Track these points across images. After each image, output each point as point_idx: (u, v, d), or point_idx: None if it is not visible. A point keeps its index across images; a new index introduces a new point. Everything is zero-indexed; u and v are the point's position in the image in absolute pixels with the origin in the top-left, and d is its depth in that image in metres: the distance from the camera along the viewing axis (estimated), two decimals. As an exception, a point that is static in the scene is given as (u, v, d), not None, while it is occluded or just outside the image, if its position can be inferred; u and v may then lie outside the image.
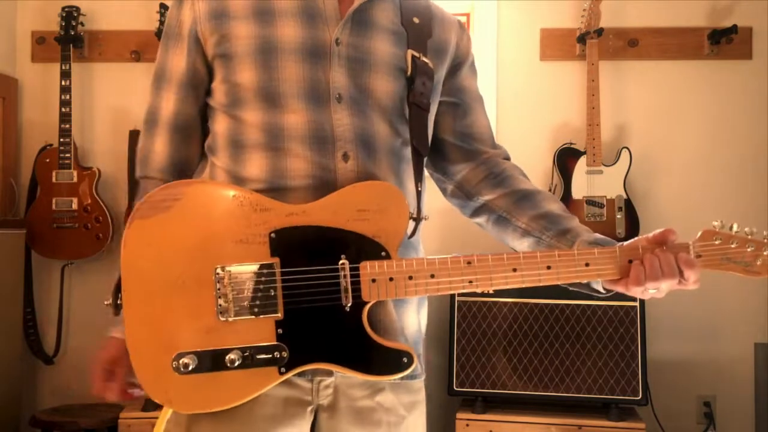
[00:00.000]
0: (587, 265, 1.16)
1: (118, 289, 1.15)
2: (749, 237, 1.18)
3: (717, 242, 1.18)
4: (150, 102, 1.33)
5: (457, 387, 2.76)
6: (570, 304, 2.74)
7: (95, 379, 1.23)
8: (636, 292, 1.16)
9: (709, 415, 3.06)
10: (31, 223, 3.08)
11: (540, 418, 2.69)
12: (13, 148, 3.23)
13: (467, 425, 2.71)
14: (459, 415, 2.73)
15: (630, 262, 1.15)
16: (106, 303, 1.17)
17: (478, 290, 1.16)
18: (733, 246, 1.18)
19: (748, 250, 1.18)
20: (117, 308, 1.16)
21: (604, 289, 1.21)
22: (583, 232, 1.24)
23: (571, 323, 2.73)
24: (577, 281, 1.18)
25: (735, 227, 1.18)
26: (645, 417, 2.78)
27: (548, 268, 1.15)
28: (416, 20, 1.30)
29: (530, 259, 1.15)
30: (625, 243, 1.18)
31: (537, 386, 2.72)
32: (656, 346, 3.04)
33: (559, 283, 1.17)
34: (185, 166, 1.32)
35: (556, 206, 1.30)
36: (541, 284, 1.16)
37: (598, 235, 1.23)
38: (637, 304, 2.72)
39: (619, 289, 1.18)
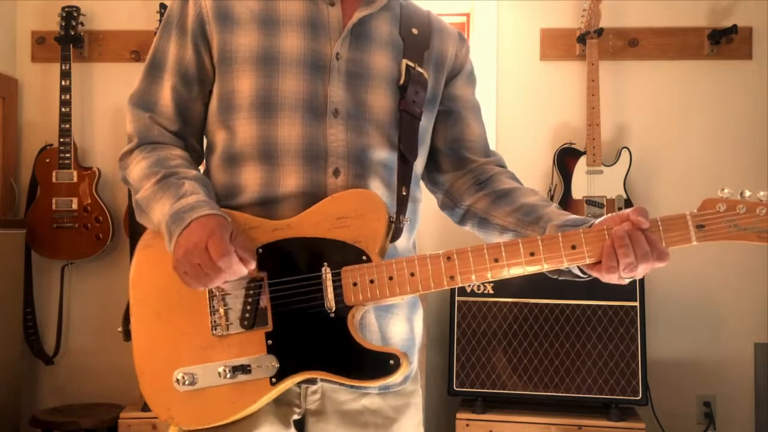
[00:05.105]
0: (574, 248, 1.09)
1: (127, 316, 1.20)
2: (762, 200, 1.03)
3: (722, 209, 1.03)
4: (141, 85, 1.26)
5: (457, 387, 2.76)
6: (570, 304, 2.74)
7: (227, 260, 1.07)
8: (611, 270, 1.07)
9: (709, 415, 3.06)
10: (31, 223, 3.08)
11: (540, 418, 2.69)
12: (13, 148, 3.23)
13: (467, 425, 2.71)
14: (459, 415, 2.73)
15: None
16: (118, 330, 1.22)
17: (463, 284, 1.15)
18: (741, 211, 1.03)
19: (760, 213, 1.02)
20: (127, 335, 1.20)
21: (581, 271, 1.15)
22: (555, 217, 1.19)
23: (571, 323, 2.73)
24: (564, 267, 1.12)
25: (747, 193, 1.04)
26: (645, 417, 2.78)
27: (532, 254, 1.10)
28: (415, 31, 1.29)
29: (512, 247, 1.11)
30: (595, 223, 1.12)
31: (537, 386, 2.72)
32: (656, 346, 3.04)
33: (544, 269, 1.11)
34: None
35: (533, 198, 1.26)
36: (525, 273, 1.11)
37: (570, 217, 1.18)
38: (637, 304, 2.71)
39: (594, 272, 1.11)
